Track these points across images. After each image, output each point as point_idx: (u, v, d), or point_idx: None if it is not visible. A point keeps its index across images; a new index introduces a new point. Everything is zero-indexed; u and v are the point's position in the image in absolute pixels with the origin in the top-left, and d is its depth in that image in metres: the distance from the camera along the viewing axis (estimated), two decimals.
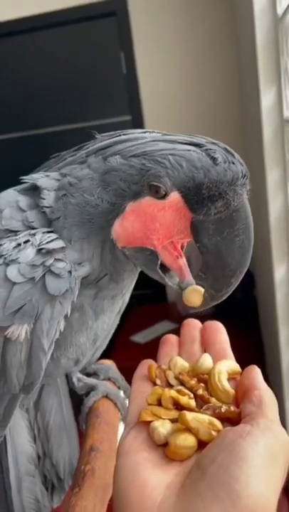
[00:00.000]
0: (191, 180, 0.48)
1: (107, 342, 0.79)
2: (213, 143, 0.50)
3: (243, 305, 2.77)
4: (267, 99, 1.47)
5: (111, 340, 2.83)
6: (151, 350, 2.03)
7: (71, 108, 3.14)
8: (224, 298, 0.52)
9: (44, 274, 0.51)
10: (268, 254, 1.72)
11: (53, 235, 0.53)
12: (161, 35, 2.97)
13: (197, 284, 0.52)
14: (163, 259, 0.53)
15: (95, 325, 0.64)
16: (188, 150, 0.49)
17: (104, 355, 2.78)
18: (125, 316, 3.07)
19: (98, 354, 0.75)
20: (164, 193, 0.50)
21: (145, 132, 0.54)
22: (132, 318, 2.95)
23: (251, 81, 1.72)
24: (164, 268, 0.54)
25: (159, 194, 0.50)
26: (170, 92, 2.99)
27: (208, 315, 2.42)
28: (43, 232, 0.54)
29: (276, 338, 1.75)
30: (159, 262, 0.53)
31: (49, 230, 0.54)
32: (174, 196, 0.50)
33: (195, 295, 0.52)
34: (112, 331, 0.75)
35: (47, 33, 3.13)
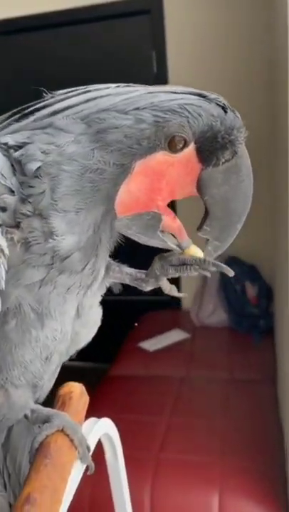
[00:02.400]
0: (210, 130, 0.47)
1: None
2: (210, 93, 0.49)
3: (259, 320, 2.67)
4: None
5: (118, 345, 2.75)
6: (159, 359, 1.95)
7: None
8: (226, 248, 0.53)
9: None
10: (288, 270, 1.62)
11: None
12: (195, 35, 2.88)
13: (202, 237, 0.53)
14: (165, 221, 0.51)
15: (42, 334, 0.52)
16: (199, 99, 0.47)
17: (110, 360, 2.71)
18: (135, 321, 2.98)
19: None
20: (182, 145, 0.48)
21: (119, 86, 0.49)
22: (142, 324, 2.86)
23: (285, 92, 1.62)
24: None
25: (177, 147, 0.47)
26: None
27: (224, 328, 2.32)
28: None
29: None
30: (160, 226, 0.51)
31: None
32: (189, 148, 0.48)
33: (196, 251, 0.53)
34: (80, 342, 0.61)
35: (80, 27, 3.08)
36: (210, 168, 0.49)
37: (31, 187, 0.46)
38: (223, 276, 2.81)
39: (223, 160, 0.49)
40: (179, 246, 0.53)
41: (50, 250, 0.47)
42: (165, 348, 2.54)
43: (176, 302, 3.15)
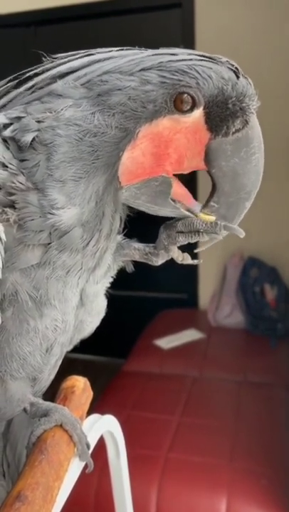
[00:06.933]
0: (221, 94, 0.44)
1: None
2: (221, 56, 0.45)
3: (276, 323, 2.62)
4: None
5: (132, 341, 2.71)
6: (173, 358, 1.93)
7: None
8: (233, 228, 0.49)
9: None
10: None
11: None
12: (225, 31, 2.82)
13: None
14: (174, 188, 0.47)
15: (41, 324, 0.48)
16: (209, 61, 0.44)
17: (123, 355, 2.68)
18: (152, 318, 2.94)
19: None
20: (190, 106, 0.44)
21: (122, 49, 0.46)
22: (158, 321, 2.83)
23: None
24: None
25: (184, 107, 0.44)
26: None
27: (240, 330, 2.28)
28: None
29: None
30: (171, 191, 0.47)
31: None
32: (198, 113, 0.45)
33: (207, 217, 0.49)
34: (85, 330, 0.58)
35: (111, 20, 3.07)
36: (219, 138, 0.46)
37: (25, 160, 0.43)
38: (242, 277, 2.77)
39: (234, 129, 0.46)
40: (190, 212, 0.49)
41: (48, 226, 0.44)
42: (180, 347, 2.51)
43: (193, 301, 3.12)
